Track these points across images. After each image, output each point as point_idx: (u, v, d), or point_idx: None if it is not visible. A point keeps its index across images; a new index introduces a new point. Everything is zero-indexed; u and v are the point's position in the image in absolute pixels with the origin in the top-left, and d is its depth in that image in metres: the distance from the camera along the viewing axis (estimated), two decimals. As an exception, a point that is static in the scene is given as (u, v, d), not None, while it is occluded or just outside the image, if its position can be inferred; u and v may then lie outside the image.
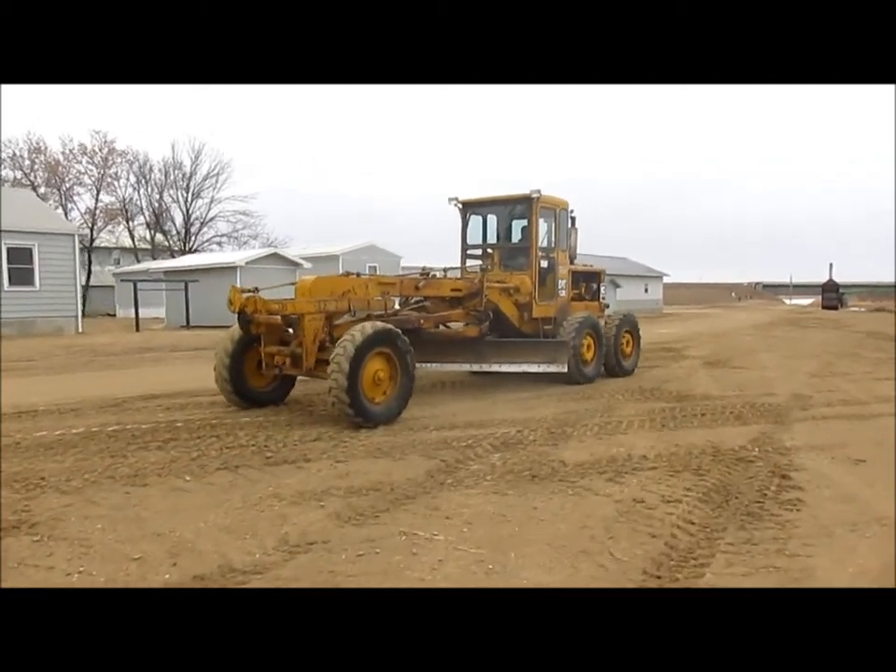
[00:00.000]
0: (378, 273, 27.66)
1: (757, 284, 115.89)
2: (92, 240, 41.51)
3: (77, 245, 21.70)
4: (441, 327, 10.41)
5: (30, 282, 20.49)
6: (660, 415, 8.08)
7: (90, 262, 41.64)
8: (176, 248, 44.97)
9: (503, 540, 4.15)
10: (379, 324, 7.73)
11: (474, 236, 11.91)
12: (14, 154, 39.68)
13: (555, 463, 5.87)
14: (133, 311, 33.02)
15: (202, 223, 46.32)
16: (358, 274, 9.05)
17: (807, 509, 4.74)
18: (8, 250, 19.98)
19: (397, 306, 9.79)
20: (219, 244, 45.73)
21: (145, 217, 45.85)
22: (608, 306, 13.42)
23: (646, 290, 56.26)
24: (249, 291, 7.88)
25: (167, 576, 3.63)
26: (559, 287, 11.65)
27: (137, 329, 22.98)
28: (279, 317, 7.82)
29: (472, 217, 11.86)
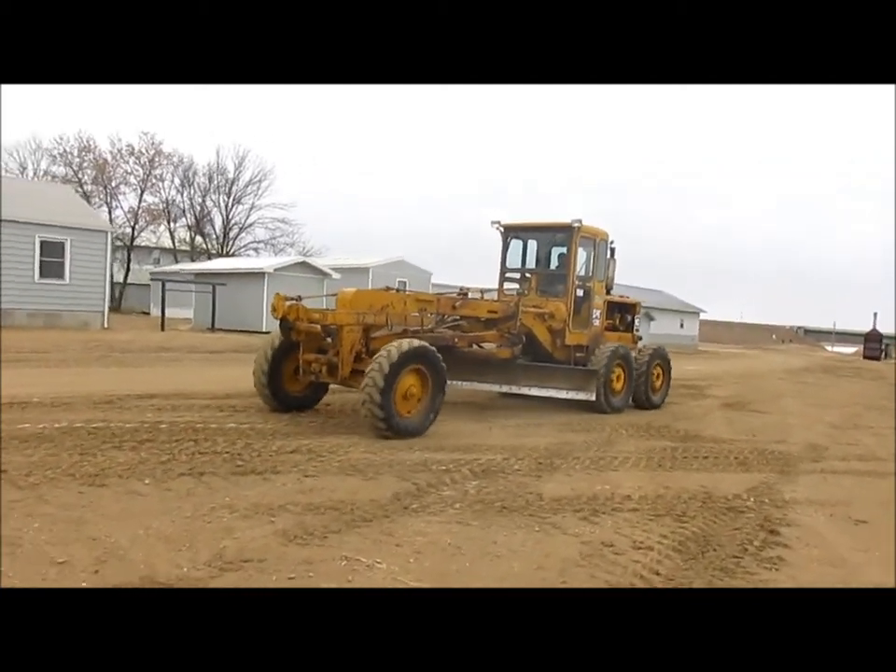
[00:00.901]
0: (408, 288, 27.69)
1: (799, 328, 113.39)
2: (133, 238, 42.30)
3: (110, 243, 22.06)
4: (475, 346, 10.60)
5: (60, 275, 20.84)
6: (659, 454, 7.73)
7: (128, 260, 42.41)
8: (214, 251, 45.61)
9: (449, 575, 3.89)
10: (415, 341, 7.93)
11: (514, 260, 12.12)
12: (65, 151, 40.74)
13: (531, 496, 5.59)
14: (169, 310, 33.55)
15: (241, 228, 46.98)
16: (398, 290, 9.34)
17: (788, 569, 4.39)
18: (42, 243, 20.36)
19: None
20: (256, 250, 46.31)
21: (186, 220, 46.66)
22: (640, 338, 13.24)
23: (681, 326, 55.31)
24: (293, 299, 8.12)
25: (83, 584, 3.46)
26: (593, 316, 11.75)
27: (163, 329, 23.20)
28: (319, 326, 8.05)
29: (513, 240, 12.06)
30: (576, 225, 11.14)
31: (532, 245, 12.13)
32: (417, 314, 9.11)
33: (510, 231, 11.98)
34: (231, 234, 46.66)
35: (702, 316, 60.51)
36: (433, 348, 8.09)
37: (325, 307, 8.94)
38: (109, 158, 41.84)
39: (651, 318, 47.25)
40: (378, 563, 3.97)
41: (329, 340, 8.38)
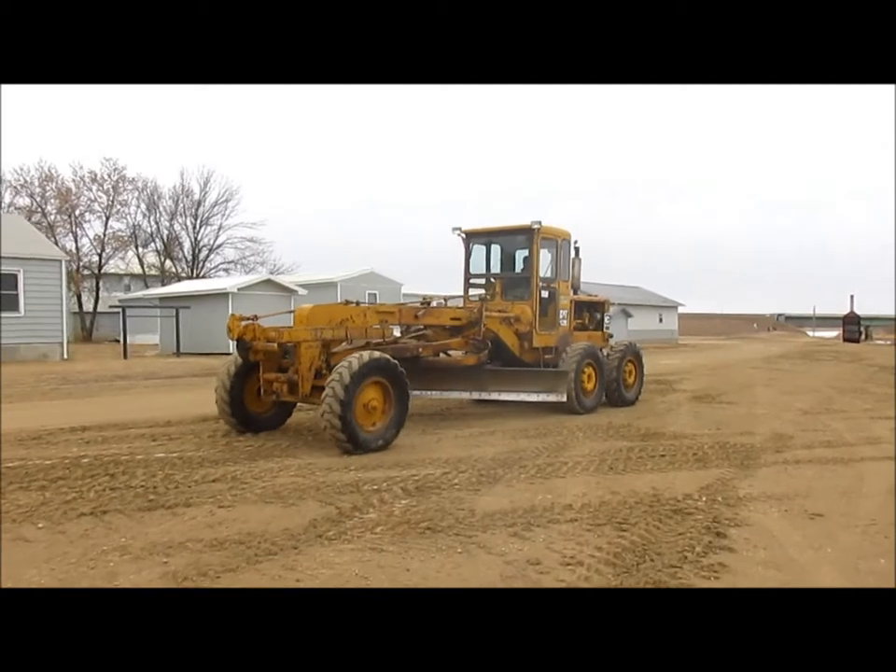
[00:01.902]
0: (378, 300, 27.29)
1: (779, 315, 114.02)
2: (100, 266, 41.61)
3: (65, 272, 21.49)
4: (442, 355, 10.48)
5: (14, 307, 20.25)
6: (614, 456, 7.37)
7: (97, 288, 41.74)
8: (184, 275, 44.98)
9: (347, 613, 3.49)
10: (377, 353, 7.80)
11: (477, 265, 12.06)
12: (25, 182, 40.03)
13: (463, 512, 5.20)
14: (135, 337, 32.92)
15: (210, 250, 46.38)
16: (358, 303, 9.11)
17: (729, 576, 4.03)
18: (-7, 276, 19.81)
19: (397, 334, 9.95)
20: (227, 270, 45.71)
21: (155, 244, 46.03)
22: (611, 336, 13.08)
23: (660, 320, 55.25)
24: (248, 319, 7.98)
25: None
26: (560, 317, 11.71)
27: (125, 356, 22.64)
28: (276, 345, 7.90)
29: (475, 246, 12.00)
30: (535, 227, 11.06)
31: (495, 249, 12.04)
32: (378, 325, 8.93)
33: (471, 238, 11.92)
34: (201, 256, 46.05)
35: (683, 310, 60.53)
36: (394, 360, 7.90)
37: (290, 325, 8.66)
38: (72, 186, 41.16)
39: (629, 315, 47.10)
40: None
41: (287, 358, 8.14)
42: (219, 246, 46.84)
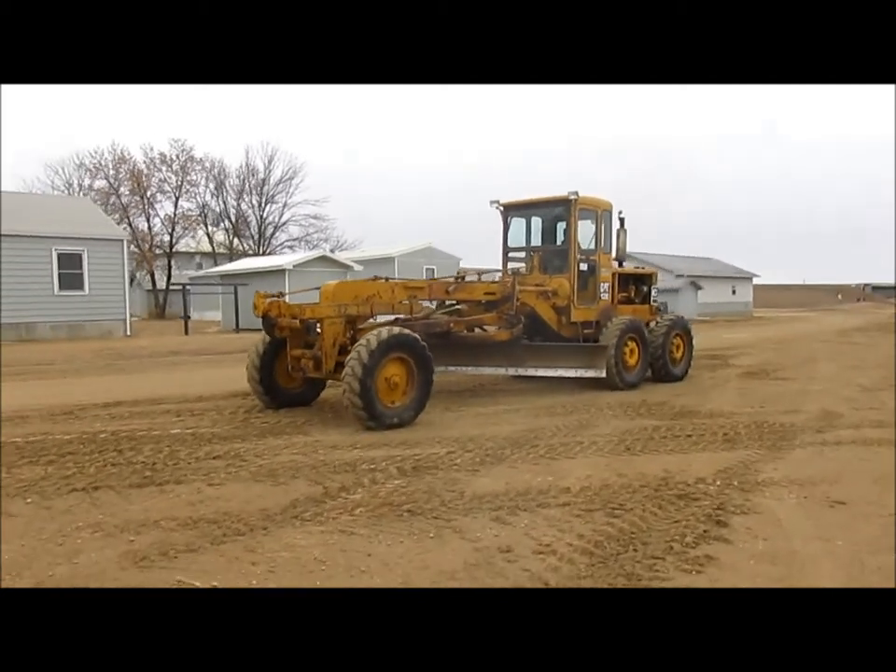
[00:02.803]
0: (435, 275, 27.15)
1: (866, 285, 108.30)
2: (171, 245, 42.91)
3: (126, 251, 22.17)
4: (478, 330, 10.31)
5: (79, 286, 21.07)
6: (635, 436, 7.02)
7: (169, 267, 43.09)
8: (251, 252, 45.95)
9: (291, 599, 3.36)
10: (396, 329, 7.72)
11: (517, 239, 11.76)
12: (100, 164, 41.53)
13: (453, 494, 5.01)
14: (205, 313, 33.92)
15: (275, 227, 47.19)
16: (387, 279, 9.03)
17: (714, 570, 3.71)
18: (59, 256, 20.60)
19: (432, 308, 9.97)
20: (291, 247, 46.42)
21: (223, 223, 47.13)
22: (660, 309, 12.59)
23: (733, 292, 53.30)
24: (274, 296, 8.06)
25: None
26: (601, 290, 11.31)
27: (186, 333, 23.28)
28: (298, 321, 7.92)
29: (514, 219, 11.71)
30: (573, 197, 10.66)
31: (536, 222, 11.70)
32: (407, 301, 8.77)
33: (509, 210, 11.60)
34: (267, 234, 46.92)
35: (761, 282, 58.23)
36: (415, 335, 7.77)
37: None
38: (144, 168, 42.47)
39: (699, 287, 45.56)
40: (215, 586, 3.48)
41: (313, 335, 8.15)
42: (284, 224, 47.65)
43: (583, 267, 11.07)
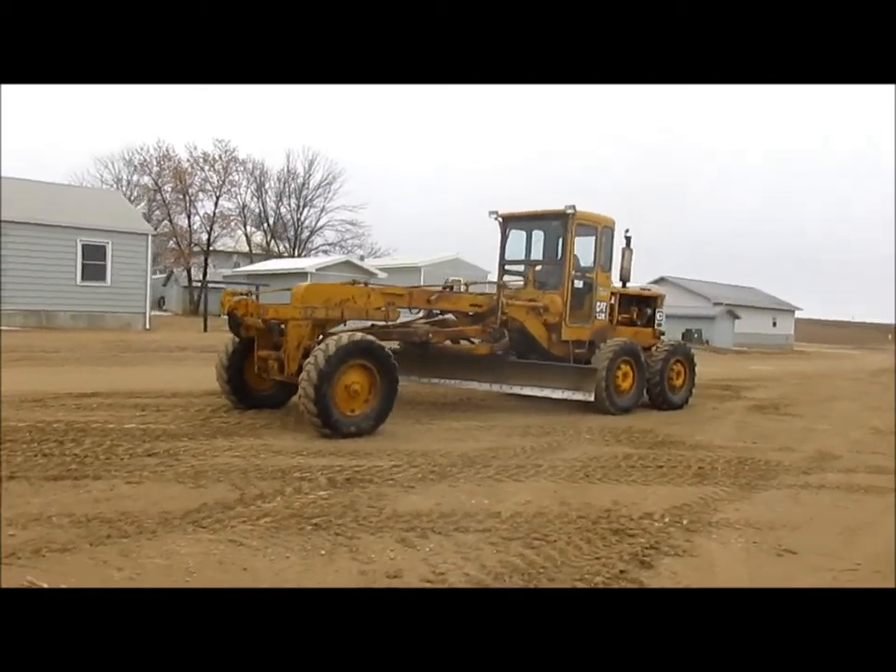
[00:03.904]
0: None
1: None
2: (209, 243, 43.48)
3: (151, 245, 22.43)
4: (465, 342, 9.97)
5: (102, 278, 21.37)
6: (602, 463, 6.64)
7: (205, 265, 43.69)
8: (287, 254, 46.36)
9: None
10: (358, 335, 7.48)
11: (518, 252, 11.38)
12: (145, 160, 42.39)
13: (371, 510, 4.72)
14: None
15: (311, 231, 47.55)
16: (366, 283, 8.80)
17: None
18: (83, 247, 20.93)
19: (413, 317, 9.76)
20: (326, 252, 46.74)
21: (262, 225, 47.67)
22: (663, 333, 12.06)
23: (774, 324, 51.90)
24: (243, 294, 7.87)
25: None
26: (597, 310, 10.76)
27: (205, 329, 23.44)
28: (261, 321, 7.77)
29: (512, 231, 11.35)
30: (569, 212, 10.26)
31: (533, 235, 11.33)
32: (383, 308, 8.44)
33: (508, 222, 11.26)
34: (303, 237, 47.32)
35: (806, 315, 56.66)
36: (380, 343, 7.49)
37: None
38: (187, 166, 43.20)
39: (736, 317, 44.45)
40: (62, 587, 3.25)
41: (280, 336, 7.92)
42: (320, 228, 47.98)
43: (578, 284, 10.66)
